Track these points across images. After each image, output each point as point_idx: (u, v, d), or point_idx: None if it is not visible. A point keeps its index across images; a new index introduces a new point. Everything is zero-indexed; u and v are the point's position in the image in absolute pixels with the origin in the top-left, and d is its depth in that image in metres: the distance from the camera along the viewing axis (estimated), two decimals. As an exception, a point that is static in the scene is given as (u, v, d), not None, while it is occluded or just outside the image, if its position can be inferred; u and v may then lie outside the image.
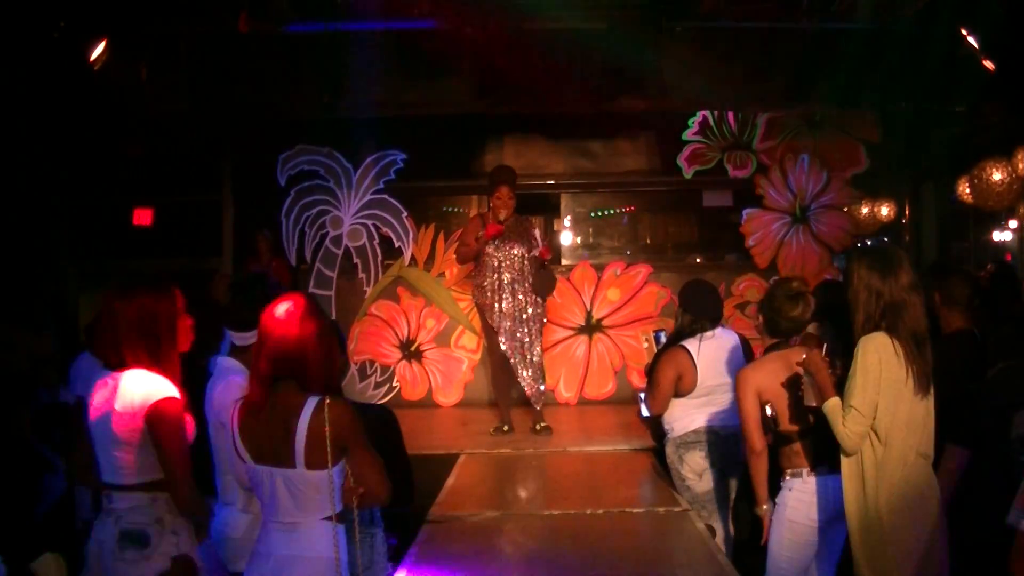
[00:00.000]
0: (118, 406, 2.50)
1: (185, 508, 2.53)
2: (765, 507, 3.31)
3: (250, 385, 2.39)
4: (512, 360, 5.82)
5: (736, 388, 3.34)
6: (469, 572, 3.25)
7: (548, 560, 3.38)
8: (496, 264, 5.79)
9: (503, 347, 5.81)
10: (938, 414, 2.97)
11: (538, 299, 5.87)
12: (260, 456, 2.32)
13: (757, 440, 3.23)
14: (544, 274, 5.83)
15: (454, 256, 6.52)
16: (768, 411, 3.23)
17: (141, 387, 2.52)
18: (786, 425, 3.23)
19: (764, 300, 3.50)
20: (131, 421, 2.49)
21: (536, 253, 5.75)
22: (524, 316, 5.80)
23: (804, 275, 7.36)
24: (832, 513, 3.17)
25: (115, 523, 2.51)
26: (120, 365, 2.58)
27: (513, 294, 5.79)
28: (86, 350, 4.88)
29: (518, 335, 5.81)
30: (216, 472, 2.92)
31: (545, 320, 6.13)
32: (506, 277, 5.79)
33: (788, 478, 3.25)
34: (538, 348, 5.89)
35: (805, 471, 3.21)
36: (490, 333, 5.92)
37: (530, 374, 5.83)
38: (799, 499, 3.21)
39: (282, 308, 2.36)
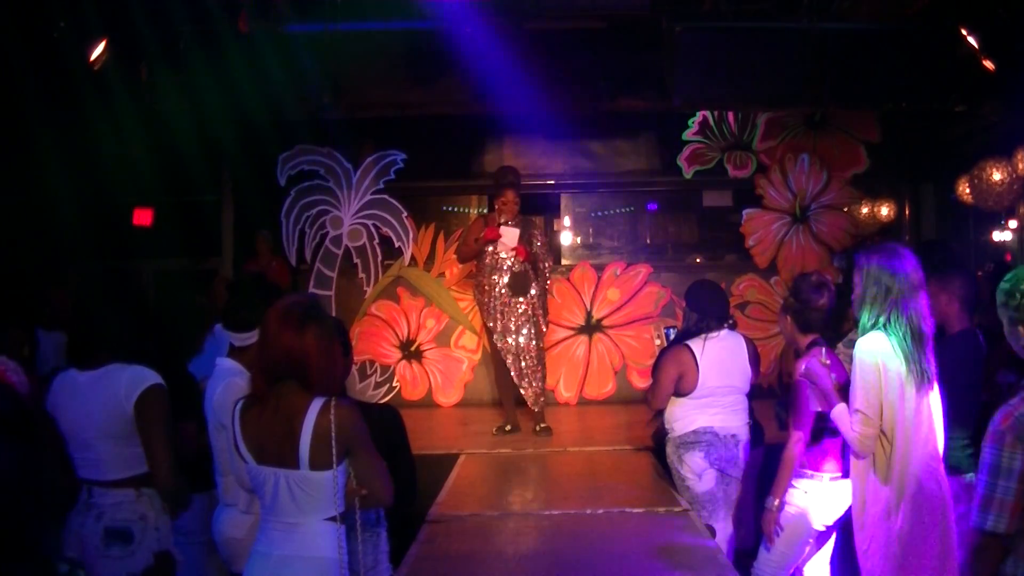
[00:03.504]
0: (102, 400, 2.51)
1: (168, 496, 2.54)
2: (776, 502, 3.37)
3: (252, 385, 2.38)
4: (508, 360, 5.84)
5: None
6: (469, 572, 3.25)
7: (548, 560, 3.38)
8: (495, 264, 5.81)
9: (499, 346, 5.84)
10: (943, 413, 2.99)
11: (536, 302, 5.87)
12: (262, 456, 2.31)
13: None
14: (519, 274, 5.81)
15: (455, 255, 6.52)
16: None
17: (125, 379, 2.53)
18: None
19: (790, 297, 3.53)
20: (119, 413, 2.50)
21: (514, 251, 5.74)
22: (520, 316, 5.81)
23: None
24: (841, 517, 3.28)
25: (97, 519, 2.52)
26: (94, 361, 2.58)
27: (512, 295, 5.81)
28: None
29: (515, 336, 5.82)
30: (217, 473, 2.91)
31: (546, 321, 6.09)
32: (505, 278, 5.82)
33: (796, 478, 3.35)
34: (536, 350, 5.87)
35: (818, 474, 3.32)
36: (490, 332, 5.94)
37: (527, 377, 5.84)
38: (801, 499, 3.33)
39: (284, 309, 2.34)
